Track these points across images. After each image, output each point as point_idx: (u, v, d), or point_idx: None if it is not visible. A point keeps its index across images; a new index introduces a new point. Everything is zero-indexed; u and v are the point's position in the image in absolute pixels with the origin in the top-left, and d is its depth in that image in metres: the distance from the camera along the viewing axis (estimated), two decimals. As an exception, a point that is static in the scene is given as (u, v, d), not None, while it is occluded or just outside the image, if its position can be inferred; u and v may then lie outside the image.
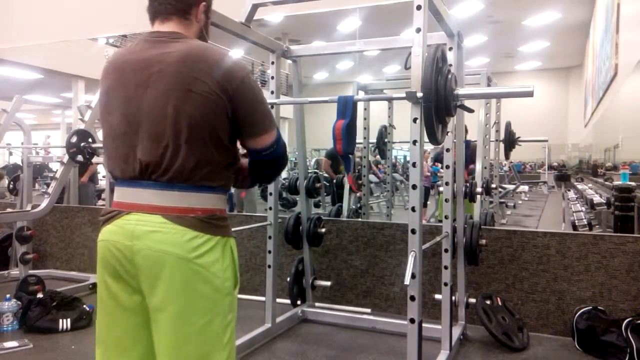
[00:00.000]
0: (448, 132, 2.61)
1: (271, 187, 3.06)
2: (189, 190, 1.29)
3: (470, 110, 2.36)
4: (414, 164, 2.03)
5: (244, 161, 1.48)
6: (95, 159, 4.03)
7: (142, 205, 1.29)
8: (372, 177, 6.06)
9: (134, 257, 1.26)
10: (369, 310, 3.49)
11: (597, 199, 4.86)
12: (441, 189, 2.81)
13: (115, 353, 1.34)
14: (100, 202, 6.10)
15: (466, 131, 4.58)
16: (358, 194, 4.70)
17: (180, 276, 1.25)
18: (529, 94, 1.97)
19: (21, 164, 5.09)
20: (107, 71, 1.38)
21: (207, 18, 1.45)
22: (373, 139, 4.87)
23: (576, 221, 4.88)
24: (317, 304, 3.51)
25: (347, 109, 2.33)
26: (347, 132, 2.32)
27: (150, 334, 1.31)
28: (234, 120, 1.32)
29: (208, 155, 1.30)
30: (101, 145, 3.90)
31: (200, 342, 1.27)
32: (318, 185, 3.41)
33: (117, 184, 1.36)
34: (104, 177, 5.00)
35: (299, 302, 3.42)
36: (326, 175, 6.44)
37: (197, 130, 1.27)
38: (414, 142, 2.02)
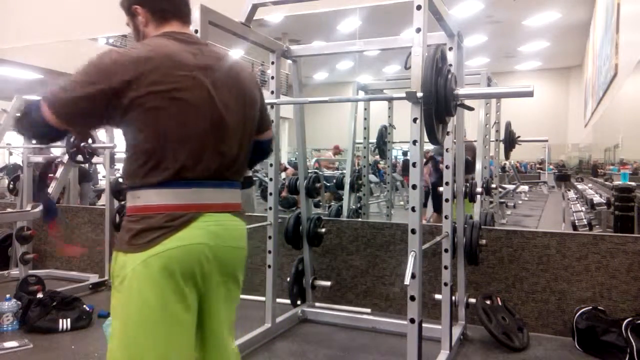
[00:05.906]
0: (448, 132, 2.61)
1: (271, 187, 3.05)
2: (239, 187, 1.41)
3: (470, 109, 2.35)
4: (414, 164, 2.03)
5: None
6: (95, 159, 4.02)
7: (216, 205, 1.33)
8: (371, 177, 6.06)
9: (216, 256, 1.31)
10: (369, 310, 3.48)
11: (597, 199, 4.86)
12: (441, 189, 2.81)
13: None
14: (100, 202, 6.10)
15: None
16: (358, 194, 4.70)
17: (243, 263, 1.44)
18: (529, 94, 1.97)
19: (21, 164, 5.08)
20: (154, 61, 1.24)
21: None
22: (373, 139, 4.87)
23: (576, 221, 4.88)
24: (317, 304, 3.51)
25: None
26: None
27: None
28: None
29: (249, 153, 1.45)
30: (102, 145, 3.91)
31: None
32: (318, 185, 3.41)
33: (178, 185, 1.26)
34: (103, 177, 4.99)
35: (299, 302, 3.42)
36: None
37: (253, 131, 1.46)
38: (414, 142, 2.02)
